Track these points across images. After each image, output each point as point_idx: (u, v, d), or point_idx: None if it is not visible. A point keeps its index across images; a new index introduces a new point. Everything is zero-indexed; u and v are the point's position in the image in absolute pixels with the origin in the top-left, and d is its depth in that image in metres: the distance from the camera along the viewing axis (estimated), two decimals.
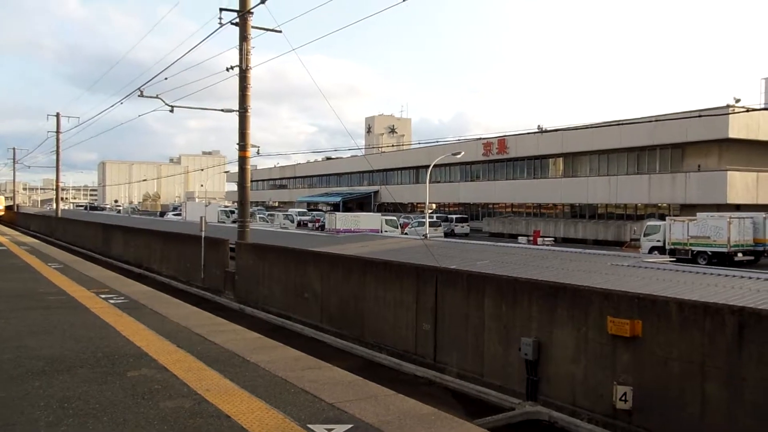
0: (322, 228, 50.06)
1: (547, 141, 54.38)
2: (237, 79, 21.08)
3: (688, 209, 40.91)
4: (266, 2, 17.98)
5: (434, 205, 67.08)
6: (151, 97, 22.98)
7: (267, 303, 18.65)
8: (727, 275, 14.75)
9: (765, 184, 42.75)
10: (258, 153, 23.58)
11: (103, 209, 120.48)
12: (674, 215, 39.32)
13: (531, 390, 10.09)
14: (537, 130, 52.66)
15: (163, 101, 22.94)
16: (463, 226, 56.32)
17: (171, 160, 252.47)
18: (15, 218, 74.39)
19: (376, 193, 77.46)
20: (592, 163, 53.18)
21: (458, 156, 45.79)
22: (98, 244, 37.61)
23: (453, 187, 67.80)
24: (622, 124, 45.51)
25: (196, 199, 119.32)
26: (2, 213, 73.73)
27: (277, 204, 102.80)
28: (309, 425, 4.18)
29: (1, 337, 6.95)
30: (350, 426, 4.15)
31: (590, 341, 9.34)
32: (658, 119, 40.15)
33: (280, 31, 20.52)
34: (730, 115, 40.39)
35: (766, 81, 46.89)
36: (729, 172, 41.36)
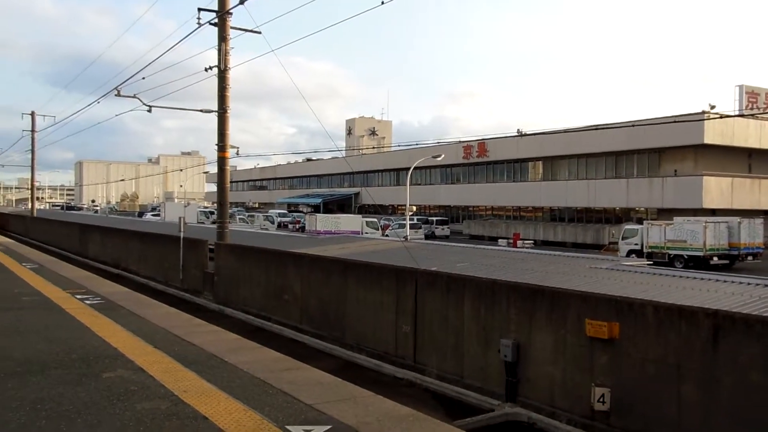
0: (302, 229, 49.85)
1: (526, 144, 54.77)
2: (216, 79, 20.94)
3: (665, 213, 41.46)
4: (245, 3, 17.87)
5: (415, 208, 67.21)
6: (128, 96, 22.72)
7: (246, 304, 18.53)
8: (702, 279, 14.93)
9: (739, 190, 43.48)
10: (237, 154, 23.48)
11: (80, 209, 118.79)
12: (652, 219, 39.81)
13: (510, 391, 10.14)
14: (517, 134, 53.03)
15: (141, 101, 22.70)
16: (443, 229, 56.46)
17: (149, 160, 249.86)
18: None
19: (356, 194, 77.41)
20: (571, 166, 53.67)
21: (438, 159, 45.91)
22: (75, 244, 37.09)
23: (433, 189, 68.00)
24: (601, 128, 45.95)
25: (175, 200, 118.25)
26: None
27: (257, 205, 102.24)
28: (287, 426, 4.15)
29: None
30: (329, 427, 4.12)
31: (569, 343, 9.41)
32: (635, 124, 40.66)
33: (260, 32, 20.43)
34: (706, 122, 41.01)
35: (740, 88, 47.72)
36: (705, 177, 42.00)
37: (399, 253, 19.57)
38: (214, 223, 32.34)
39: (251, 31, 20.80)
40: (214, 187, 25.76)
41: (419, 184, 67.74)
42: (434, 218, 60.02)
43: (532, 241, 46.30)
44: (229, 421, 4.25)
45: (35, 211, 60.77)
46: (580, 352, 9.22)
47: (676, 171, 44.70)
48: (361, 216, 52.22)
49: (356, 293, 14.13)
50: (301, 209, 78.28)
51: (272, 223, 57.30)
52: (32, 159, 56.85)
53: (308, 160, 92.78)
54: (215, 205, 24.69)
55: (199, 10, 20.12)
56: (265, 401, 4.68)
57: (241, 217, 65.55)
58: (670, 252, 32.02)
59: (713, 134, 42.13)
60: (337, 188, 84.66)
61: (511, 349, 10.05)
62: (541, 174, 57.45)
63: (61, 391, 4.94)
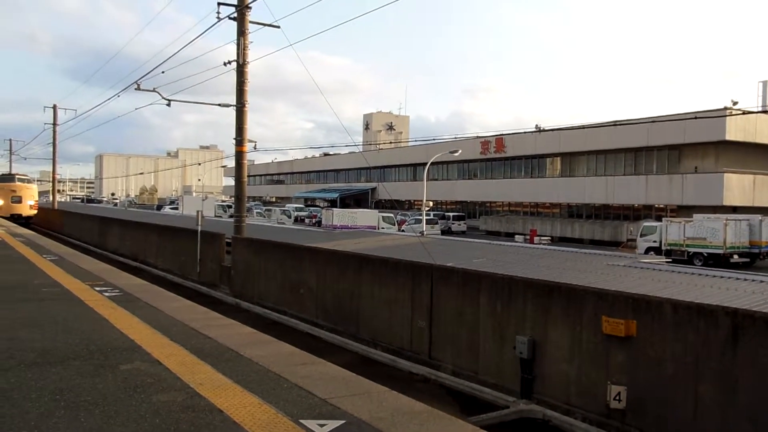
0: (318, 224, 50.01)
1: (544, 140, 54.41)
2: (234, 73, 21.04)
3: (685, 210, 40.98)
4: None
5: (431, 203, 67.10)
6: (148, 90, 22.91)
7: (262, 298, 18.64)
8: (722, 277, 14.76)
9: (761, 187, 42.84)
10: (255, 148, 23.61)
11: (99, 202, 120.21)
12: (671, 216, 39.39)
13: (525, 388, 10.10)
14: (534, 130, 52.68)
15: (160, 95, 22.89)
16: (460, 224, 56.34)
17: (168, 154, 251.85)
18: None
19: (373, 189, 77.44)
20: (589, 163, 53.24)
21: (456, 154, 45.78)
22: (94, 236, 37.53)
23: (450, 185, 67.82)
24: (620, 124, 45.54)
25: (193, 193, 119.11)
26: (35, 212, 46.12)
27: (274, 199, 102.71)
28: (301, 420, 4.16)
29: None
30: (343, 422, 4.13)
31: (585, 340, 9.35)
32: (655, 120, 40.20)
33: (278, 27, 20.49)
34: (728, 118, 40.48)
35: (763, 84, 46.97)
36: (726, 174, 41.44)
37: (415, 249, 19.55)
38: (231, 216, 32.56)
39: (270, 25, 20.87)
40: (231, 181, 25.94)
41: (436, 180, 67.61)
42: (451, 214, 59.90)
43: (549, 238, 46.07)
44: (243, 414, 4.28)
45: (56, 203, 61.49)
46: (596, 350, 9.16)
47: (696, 168, 44.15)
48: (377, 211, 52.27)
49: (372, 288, 14.15)
50: (317, 204, 78.51)
51: (289, 217, 57.56)
52: (54, 152, 57.58)
53: (325, 154, 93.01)
54: (233, 198, 24.84)
55: (219, 4, 20.22)
56: (280, 395, 4.70)
57: (258, 211, 65.93)
58: (690, 249, 31.67)
59: (735, 130, 41.54)
60: (354, 183, 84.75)
61: (526, 345, 10.02)
62: (559, 170, 57.07)
63: (79, 382, 5.00)
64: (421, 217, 44.50)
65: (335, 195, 79.29)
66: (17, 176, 47.37)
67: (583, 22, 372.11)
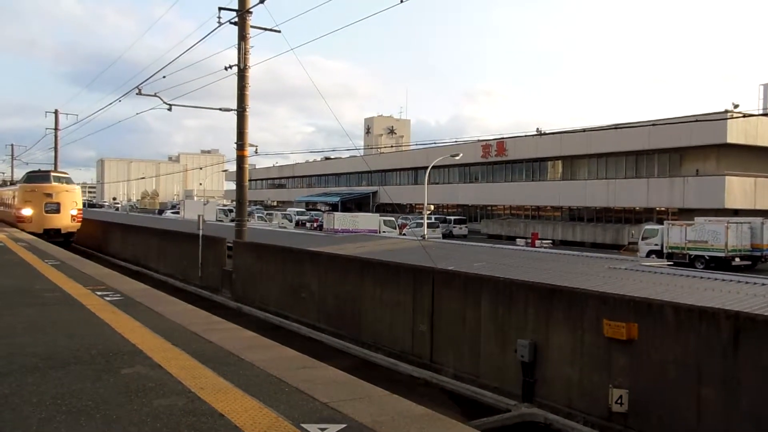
0: (320, 228, 49.97)
1: (545, 144, 54.40)
2: (235, 78, 21.09)
3: (686, 213, 40.95)
4: (265, 2, 17.97)
5: (432, 207, 67.06)
6: (149, 95, 22.98)
7: (264, 302, 18.64)
8: (724, 280, 14.74)
9: (763, 190, 42.80)
10: (256, 152, 23.62)
11: (101, 206, 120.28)
12: (672, 219, 39.35)
13: (527, 392, 10.09)
14: (535, 133, 52.71)
15: (162, 99, 22.95)
16: (461, 228, 56.29)
17: (169, 158, 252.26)
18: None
19: (374, 193, 77.44)
20: (590, 166, 53.22)
21: (457, 157, 45.77)
22: (96, 241, 37.54)
23: (451, 188, 67.81)
24: (621, 127, 45.53)
25: (195, 198, 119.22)
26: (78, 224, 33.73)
27: (275, 203, 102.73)
28: (302, 424, 4.16)
29: None
30: (344, 426, 4.13)
31: (586, 344, 9.34)
32: (656, 123, 40.21)
33: (279, 31, 20.55)
34: (729, 121, 40.44)
35: (764, 87, 46.97)
36: (727, 177, 41.41)
37: (416, 252, 19.55)
38: (232, 221, 32.57)
39: (271, 30, 20.91)
40: (233, 185, 25.97)
41: (437, 183, 67.61)
42: (452, 217, 59.86)
43: (550, 241, 45.98)
44: (245, 418, 4.27)
45: None
46: (598, 353, 9.14)
47: (697, 171, 44.13)
48: (378, 215, 52.22)
49: (373, 292, 14.15)
50: (319, 208, 78.50)
51: (290, 221, 57.52)
52: (55, 157, 57.67)
53: (327, 158, 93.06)
54: (234, 203, 24.86)
55: (220, 9, 20.29)
56: (281, 399, 4.70)
57: (259, 215, 65.89)
58: (691, 252, 31.62)
59: (736, 133, 41.53)
60: (355, 187, 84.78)
61: (528, 349, 10.01)
62: (560, 173, 57.05)
63: (80, 387, 5.00)
64: (422, 221, 44.46)
65: (336, 199, 79.31)
66: (53, 174, 34.05)
67: (583, 25, 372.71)
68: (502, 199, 61.63)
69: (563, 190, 53.94)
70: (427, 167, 46.71)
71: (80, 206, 33.32)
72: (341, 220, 45.02)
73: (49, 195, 31.62)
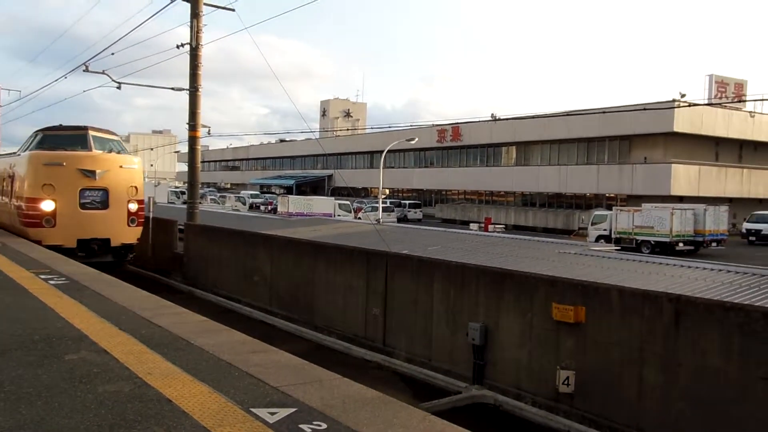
0: (274, 211, 49.57)
1: (500, 130, 55.00)
2: (187, 57, 20.60)
3: (635, 200, 42.12)
4: None
5: (388, 191, 67.20)
6: (97, 72, 22.21)
7: (216, 286, 18.41)
8: (668, 264, 15.26)
9: (706, 178, 44.33)
10: (209, 133, 23.20)
11: None
12: (621, 205, 40.43)
13: (477, 374, 10.27)
14: (490, 119, 53.16)
15: (110, 77, 22.22)
16: (416, 212, 56.66)
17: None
18: None
19: (330, 177, 77.12)
20: (543, 152, 54.11)
21: (412, 142, 45.92)
22: None
23: (407, 173, 68.03)
24: (573, 114, 46.40)
25: (146, 179, 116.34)
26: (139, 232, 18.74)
27: (229, 186, 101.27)
28: (252, 409, 4.13)
29: None
30: (294, 410, 4.12)
31: (536, 327, 9.54)
32: (606, 111, 41.08)
33: (233, 9, 20.18)
34: (675, 110, 41.65)
35: (710, 78, 48.47)
36: (673, 165, 42.71)
37: (371, 236, 19.59)
38: (184, 203, 31.97)
39: (224, 8, 20.49)
40: (185, 167, 25.47)
41: (393, 167, 67.71)
42: (407, 202, 60.17)
43: (503, 226, 46.71)
44: (193, 403, 4.22)
45: None
46: (547, 336, 9.36)
47: (645, 158, 45.36)
48: (333, 198, 52.08)
49: (326, 275, 14.13)
50: (273, 190, 77.76)
51: (244, 204, 56.85)
52: None
53: (282, 141, 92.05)
54: (186, 185, 24.39)
55: None
56: (231, 384, 4.66)
57: (212, 197, 64.92)
58: (638, 238, 32.60)
59: (683, 122, 42.81)
60: (310, 170, 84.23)
61: (479, 332, 10.17)
62: (514, 159, 57.84)
63: (21, 373, 4.85)
64: (377, 205, 44.57)
65: (291, 182, 78.66)
66: (93, 134, 17.67)
67: (538, 13, 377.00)
68: (456, 183, 62.18)
69: (517, 175, 54.73)
70: (382, 151, 46.73)
71: (141, 196, 18.01)
72: (296, 204, 44.75)
73: (90, 174, 16.59)
